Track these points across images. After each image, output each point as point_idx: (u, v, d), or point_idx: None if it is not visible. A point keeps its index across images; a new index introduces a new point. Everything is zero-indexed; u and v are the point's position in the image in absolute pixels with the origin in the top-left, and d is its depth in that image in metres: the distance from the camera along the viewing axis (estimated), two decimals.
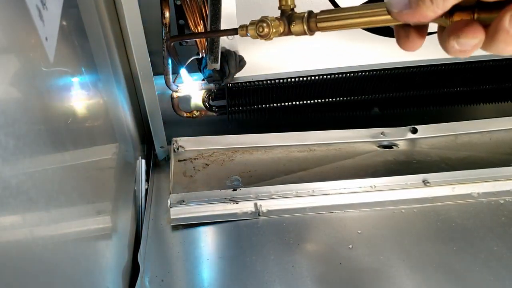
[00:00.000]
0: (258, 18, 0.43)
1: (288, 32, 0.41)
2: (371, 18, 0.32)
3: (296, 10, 0.41)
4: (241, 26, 0.43)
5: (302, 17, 0.38)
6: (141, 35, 0.64)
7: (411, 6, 0.27)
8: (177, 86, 0.81)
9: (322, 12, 0.36)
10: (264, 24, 0.40)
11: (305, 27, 0.38)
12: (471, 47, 0.28)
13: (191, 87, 0.82)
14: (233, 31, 0.45)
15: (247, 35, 0.43)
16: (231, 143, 0.88)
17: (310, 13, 0.37)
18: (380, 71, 0.85)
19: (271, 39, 0.42)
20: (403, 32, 0.32)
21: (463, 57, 0.31)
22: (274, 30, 0.40)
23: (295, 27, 0.39)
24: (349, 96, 0.90)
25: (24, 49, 0.30)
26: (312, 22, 0.37)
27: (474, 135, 0.91)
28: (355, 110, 0.93)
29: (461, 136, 0.91)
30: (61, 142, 0.37)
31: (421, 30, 0.32)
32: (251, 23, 0.42)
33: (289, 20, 0.40)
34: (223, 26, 0.67)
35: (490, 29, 0.27)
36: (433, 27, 0.30)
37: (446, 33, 0.28)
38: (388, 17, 0.30)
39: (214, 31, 0.54)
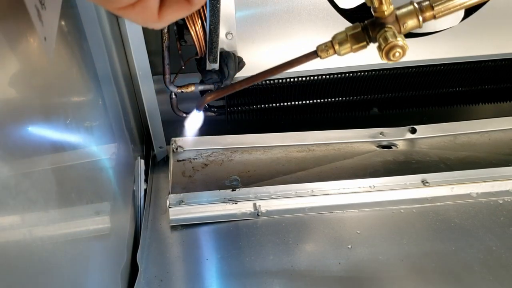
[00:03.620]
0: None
1: (399, 32, 0.37)
2: None
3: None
4: (341, 45, 0.39)
5: (412, 12, 0.35)
6: (140, 34, 0.64)
7: None
8: (176, 86, 0.81)
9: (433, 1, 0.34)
10: (398, 48, 0.35)
11: (421, 21, 0.35)
12: None
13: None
14: (313, 55, 0.41)
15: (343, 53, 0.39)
16: (230, 143, 0.88)
17: (420, 3, 0.35)
18: (379, 71, 0.85)
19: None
20: None
21: None
22: (400, 43, 0.36)
23: (408, 26, 0.36)
24: (348, 96, 0.90)
25: (23, 49, 0.30)
26: (428, 14, 0.34)
27: (473, 135, 0.91)
28: (354, 110, 0.93)
29: (460, 136, 0.91)
30: (60, 142, 0.37)
31: None
32: (381, 48, 0.37)
33: (399, 21, 0.36)
34: (222, 26, 0.67)
35: None
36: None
37: None
38: None
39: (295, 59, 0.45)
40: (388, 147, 0.89)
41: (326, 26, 0.74)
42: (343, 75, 0.84)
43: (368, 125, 0.90)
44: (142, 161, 0.77)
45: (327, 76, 0.84)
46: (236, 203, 0.69)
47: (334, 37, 0.39)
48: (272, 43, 0.76)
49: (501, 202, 0.71)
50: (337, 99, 0.89)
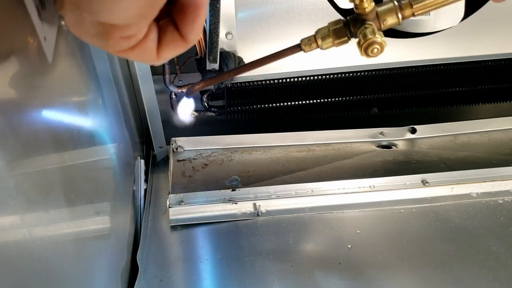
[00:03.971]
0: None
1: (379, 29, 0.38)
2: None
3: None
4: (324, 40, 0.39)
5: (392, 9, 0.36)
6: None
7: None
8: (176, 86, 0.81)
9: None
10: (376, 45, 0.36)
11: (400, 18, 0.36)
12: None
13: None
14: (297, 48, 0.41)
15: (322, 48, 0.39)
16: (230, 143, 0.88)
17: (398, 1, 0.35)
18: (379, 71, 0.85)
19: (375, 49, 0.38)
20: None
21: None
22: (378, 39, 0.36)
23: (387, 23, 0.36)
24: (348, 96, 0.90)
25: (23, 49, 0.30)
26: (407, 12, 0.35)
27: (473, 135, 0.91)
28: (354, 110, 0.93)
29: (460, 136, 0.91)
30: (60, 142, 0.37)
31: None
32: (360, 44, 0.37)
33: (379, 18, 0.37)
34: (222, 26, 0.67)
35: None
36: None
37: None
38: None
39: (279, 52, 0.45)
40: (388, 147, 0.89)
41: None
42: (343, 75, 0.85)
43: (368, 125, 0.90)
44: (142, 161, 0.77)
45: (327, 76, 0.84)
46: (236, 203, 0.69)
47: (317, 32, 0.40)
48: (272, 43, 0.76)
49: (501, 202, 0.71)
50: (337, 99, 0.90)
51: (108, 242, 0.52)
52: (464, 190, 0.72)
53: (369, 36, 0.36)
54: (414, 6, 0.35)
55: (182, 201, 0.69)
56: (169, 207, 0.68)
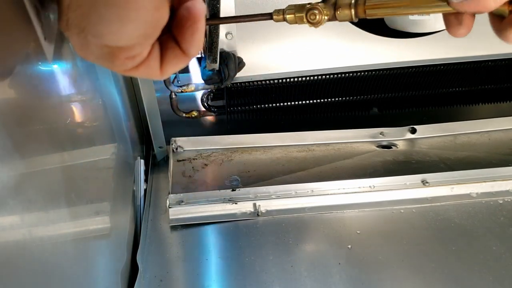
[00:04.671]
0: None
1: (333, 18, 0.40)
2: (426, 8, 0.32)
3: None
4: (278, 11, 0.42)
5: (349, 3, 0.37)
6: None
7: None
8: (176, 86, 0.81)
9: None
10: (316, 11, 0.38)
11: (353, 13, 0.37)
12: None
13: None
14: (267, 16, 0.44)
15: (285, 21, 0.42)
16: (230, 143, 0.88)
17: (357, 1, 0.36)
18: (379, 71, 0.85)
19: (319, 26, 0.40)
20: (456, 19, 0.31)
21: None
22: (325, 18, 0.39)
23: (342, 13, 0.38)
24: (348, 96, 0.90)
25: (23, 49, 0.30)
26: (360, 8, 0.36)
27: (473, 135, 0.91)
28: (354, 110, 0.93)
29: (460, 136, 0.91)
30: (59, 142, 0.37)
31: (473, 15, 0.31)
32: (298, 9, 0.40)
33: (335, 5, 0.39)
34: (222, 26, 0.67)
35: None
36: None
37: (507, 23, 0.28)
38: (444, 4, 0.29)
39: (246, 16, 0.50)
40: (388, 147, 0.89)
41: (326, 26, 0.74)
42: (343, 75, 0.85)
43: (368, 125, 0.90)
44: (142, 161, 0.77)
45: (327, 76, 0.84)
46: (236, 203, 0.69)
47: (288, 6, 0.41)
48: (272, 43, 0.76)
49: (501, 202, 0.71)
50: (337, 99, 0.90)
51: (108, 242, 0.52)
52: (464, 190, 0.72)
53: (315, 5, 0.38)
54: (367, 9, 0.36)
55: (182, 201, 0.69)
56: (169, 207, 0.68)
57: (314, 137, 0.89)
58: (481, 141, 0.90)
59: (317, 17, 0.39)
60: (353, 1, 0.37)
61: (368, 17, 0.36)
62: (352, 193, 0.71)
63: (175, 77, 0.81)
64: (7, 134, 0.25)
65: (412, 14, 0.34)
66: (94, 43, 0.23)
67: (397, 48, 0.80)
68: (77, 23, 0.23)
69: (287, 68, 0.83)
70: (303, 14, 0.40)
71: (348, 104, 0.91)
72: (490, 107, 0.96)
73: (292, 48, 0.80)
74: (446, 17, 0.32)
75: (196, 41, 0.26)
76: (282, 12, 0.41)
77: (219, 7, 0.63)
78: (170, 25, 0.26)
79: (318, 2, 0.39)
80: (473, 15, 0.31)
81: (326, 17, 0.39)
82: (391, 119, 0.94)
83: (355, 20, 0.37)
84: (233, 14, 0.71)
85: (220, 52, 0.71)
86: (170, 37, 0.26)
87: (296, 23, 0.40)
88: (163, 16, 0.24)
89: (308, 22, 0.40)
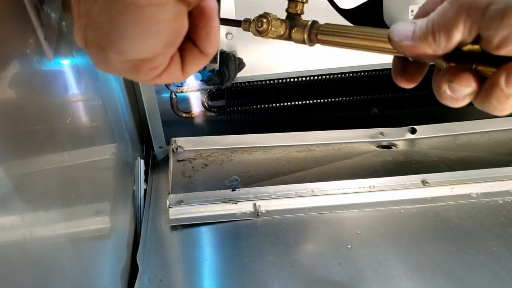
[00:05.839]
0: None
1: (288, 37, 0.39)
2: (373, 42, 0.31)
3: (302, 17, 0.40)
4: (245, 20, 0.42)
5: (305, 25, 0.37)
6: None
7: (413, 38, 0.27)
8: (176, 86, 0.81)
9: (327, 25, 0.35)
10: (264, 20, 0.39)
11: (306, 36, 0.37)
12: (462, 95, 0.27)
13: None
14: (236, 23, 0.44)
15: (249, 30, 0.42)
16: (230, 143, 0.88)
17: (314, 23, 0.36)
18: (379, 71, 0.85)
19: (268, 37, 0.40)
20: (401, 64, 0.31)
21: (453, 106, 0.30)
22: (273, 29, 0.39)
23: (296, 34, 0.38)
24: (348, 96, 0.90)
25: (23, 49, 0.30)
26: (313, 33, 0.36)
27: (473, 136, 0.91)
28: (354, 110, 0.93)
29: (460, 136, 0.91)
30: (59, 142, 0.37)
31: (420, 67, 0.31)
32: (254, 19, 0.41)
33: (292, 25, 0.39)
34: (222, 26, 0.67)
35: (486, 83, 0.26)
36: None
37: (440, 76, 0.28)
38: (389, 45, 0.29)
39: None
40: (388, 147, 0.89)
41: None
42: (343, 75, 0.85)
43: (368, 125, 0.90)
44: (142, 161, 0.77)
45: (327, 76, 0.84)
46: (236, 203, 0.69)
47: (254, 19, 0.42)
48: (272, 43, 0.76)
49: (501, 202, 0.71)
50: (337, 99, 0.90)
51: (108, 242, 0.52)
52: (464, 190, 0.72)
53: (266, 14, 0.39)
54: (318, 35, 0.36)
55: (182, 201, 0.69)
56: (169, 207, 0.68)
57: (314, 137, 0.89)
58: (481, 141, 0.90)
59: (264, 26, 0.39)
60: (309, 23, 0.37)
61: (319, 43, 0.36)
62: (352, 193, 0.71)
63: None
64: (7, 134, 0.25)
65: (360, 49, 0.33)
66: (117, 59, 0.24)
67: None
68: (98, 42, 0.23)
69: (287, 68, 0.83)
70: (254, 21, 0.40)
71: (348, 104, 0.91)
72: None
73: (292, 48, 0.80)
74: (394, 60, 0.32)
75: (213, 40, 0.26)
76: (249, 22, 0.41)
77: (219, 7, 0.63)
78: None
79: (275, 15, 0.39)
80: (419, 68, 0.31)
81: (274, 29, 0.39)
82: (391, 119, 0.94)
83: (309, 45, 0.37)
84: (233, 14, 0.71)
85: (220, 53, 0.71)
86: (187, 38, 0.26)
87: (249, 30, 0.41)
88: (184, 25, 0.24)
89: (256, 31, 0.40)
